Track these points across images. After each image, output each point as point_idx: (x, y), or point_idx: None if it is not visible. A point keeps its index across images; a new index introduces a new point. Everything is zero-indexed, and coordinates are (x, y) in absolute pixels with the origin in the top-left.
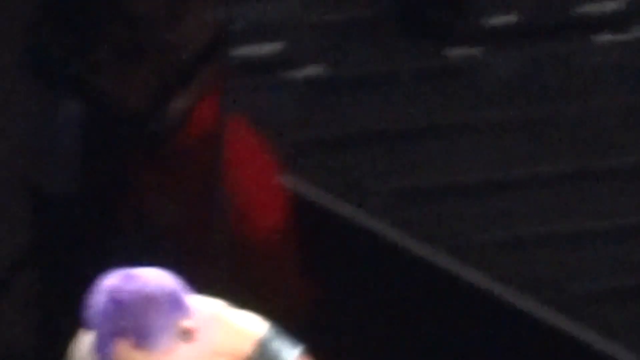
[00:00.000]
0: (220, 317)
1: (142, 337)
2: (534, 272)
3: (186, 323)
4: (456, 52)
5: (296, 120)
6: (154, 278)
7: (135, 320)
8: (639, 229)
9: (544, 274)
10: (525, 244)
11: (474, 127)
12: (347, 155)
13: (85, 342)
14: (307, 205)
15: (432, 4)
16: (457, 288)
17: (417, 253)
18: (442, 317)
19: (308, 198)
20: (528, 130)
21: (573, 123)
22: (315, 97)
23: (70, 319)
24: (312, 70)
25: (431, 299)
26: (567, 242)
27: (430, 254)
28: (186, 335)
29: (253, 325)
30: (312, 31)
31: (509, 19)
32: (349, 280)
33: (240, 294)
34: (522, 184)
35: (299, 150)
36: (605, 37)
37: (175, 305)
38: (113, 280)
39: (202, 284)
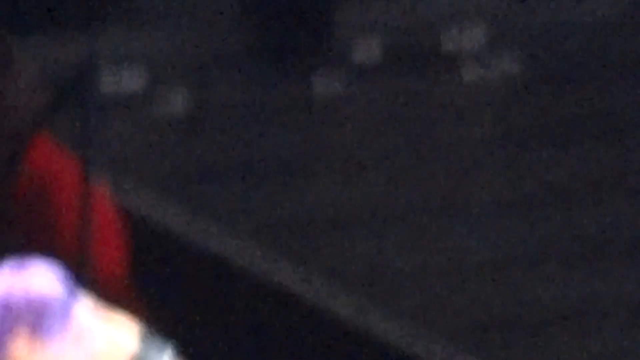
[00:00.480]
0: (98, 327)
1: (35, 334)
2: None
3: (74, 323)
4: (321, 85)
5: (161, 154)
6: (41, 276)
7: (27, 320)
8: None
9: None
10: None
11: (339, 160)
12: (212, 186)
13: None
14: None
15: (298, 36)
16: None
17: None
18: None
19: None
20: (394, 164)
21: (440, 157)
22: (179, 131)
23: None
24: (176, 104)
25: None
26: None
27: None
28: (77, 331)
29: (126, 332)
30: (177, 64)
31: (374, 53)
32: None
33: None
34: (393, 217)
35: (164, 182)
36: (471, 72)
37: (64, 304)
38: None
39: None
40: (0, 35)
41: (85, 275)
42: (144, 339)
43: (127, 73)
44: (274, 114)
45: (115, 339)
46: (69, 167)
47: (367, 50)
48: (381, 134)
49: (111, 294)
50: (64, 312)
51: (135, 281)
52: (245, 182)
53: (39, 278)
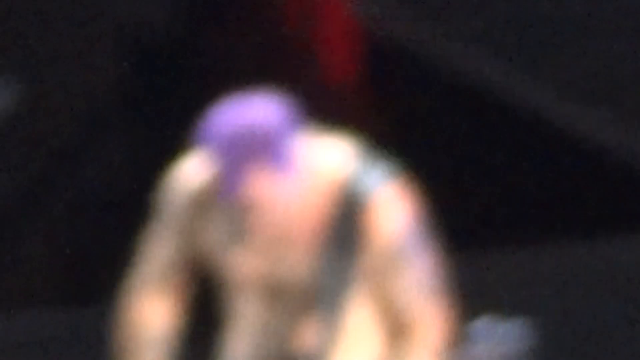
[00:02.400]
0: (316, 145)
1: (268, 154)
2: None
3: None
4: None
5: None
6: (267, 109)
7: (266, 143)
8: None
9: None
10: None
11: None
12: None
13: (190, 169)
14: None
15: None
16: None
17: None
18: None
19: None
20: None
21: None
22: None
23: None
24: None
25: None
26: None
27: None
28: (298, 152)
29: (343, 153)
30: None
31: None
32: None
33: None
34: None
35: None
36: None
37: (293, 130)
38: (237, 109)
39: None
40: None
41: (313, 88)
42: (360, 161)
43: None
44: None
45: (331, 161)
46: None
47: None
48: None
49: (338, 108)
50: (288, 142)
51: (363, 94)
52: None
53: (265, 111)
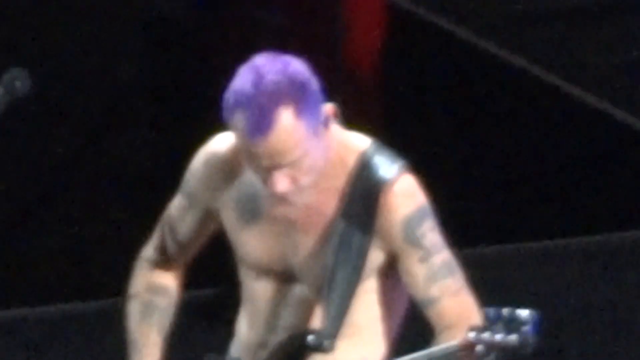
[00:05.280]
0: (334, 128)
1: (302, 103)
2: None
3: (328, 107)
4: None
5: None
6: (298, 63)
7: (298, 87)
8: None
9: None
10: None
11: None
12: None
13: (216, 145)
14: None
15: None
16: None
17: None
18: None
19: None
20: None
21: None
22: None
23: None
24: None
25: None
26: None
27: None
28: (327, 121)
29: (357, 140)
30: None
31: None
32: None
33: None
34: None
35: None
36: None
37: (320, 88)
38: (265, 59)
39: None
40: None
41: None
42: (378, 149)
43: None
44: None
45: (350, 137)
46: None
47: None
48: None
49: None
50: (318, 98)
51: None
52: None
53: (297, 64)
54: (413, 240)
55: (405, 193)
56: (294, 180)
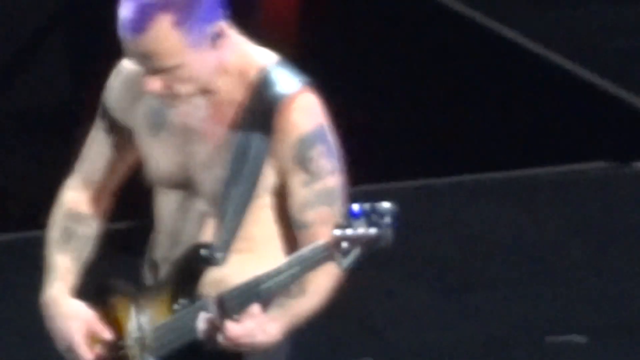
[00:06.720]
0: (238, 43)
1: (183, 16)
2: None
3: (221, 25)
4: None
5: None
6: None
7: (174, 7)
8: None
9: None
10: None
11: None
12: None
13: (126, 65)
14: None
15: None
16: None
17: None
18: None
19: None
20: None
21: None
22: None
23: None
24: None
25: None
26: None
27: None
28: (216, 38)
29: (261, 55)
30: None
31: None
32: None
33: None
34: None
35: None
36: None
37: (216, 5)
38: None
39: None
40: None
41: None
42: (280, 64)
43: None
44: None
45: (252, 60)
46: None
47: None
48: None
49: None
50: (208, 13)
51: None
52: None
53: None
54: (302, 161)
55: (303, 110)
56: (167, 86)
